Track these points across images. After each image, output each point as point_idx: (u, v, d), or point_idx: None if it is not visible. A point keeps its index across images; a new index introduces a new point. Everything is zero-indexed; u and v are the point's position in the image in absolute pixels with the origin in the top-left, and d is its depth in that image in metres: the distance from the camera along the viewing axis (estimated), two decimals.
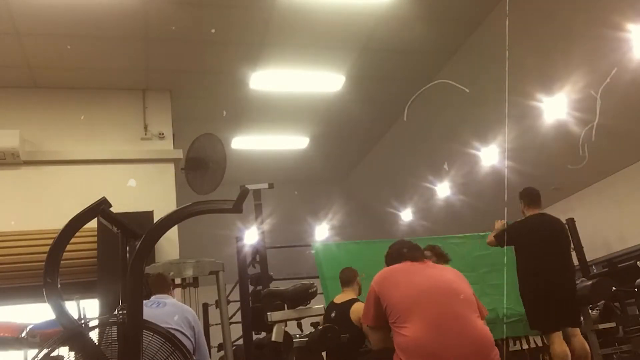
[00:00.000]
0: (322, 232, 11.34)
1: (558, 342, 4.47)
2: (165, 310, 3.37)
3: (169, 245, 5.98)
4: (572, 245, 5.08)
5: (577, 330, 4.65)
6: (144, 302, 3.39)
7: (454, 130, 8.53)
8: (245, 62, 6.76)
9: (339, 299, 4.87)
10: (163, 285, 3.74)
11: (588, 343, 4.80)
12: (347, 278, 4.94)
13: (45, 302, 2.23)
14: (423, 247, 5.52)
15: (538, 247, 4.74)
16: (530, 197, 5.06)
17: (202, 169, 5.89)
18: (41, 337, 3.58)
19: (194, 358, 3.33)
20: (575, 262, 6.78)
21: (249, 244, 6.12)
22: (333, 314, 4.72)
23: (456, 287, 3.12)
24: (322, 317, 4.60)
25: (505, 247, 4.84)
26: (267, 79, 7.11)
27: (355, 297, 4.82)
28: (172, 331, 3.16)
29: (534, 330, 5.06)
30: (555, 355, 4.44)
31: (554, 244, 4.80)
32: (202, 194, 5.79)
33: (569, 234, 5.08)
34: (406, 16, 6.20)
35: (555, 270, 4.68)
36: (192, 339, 3.37)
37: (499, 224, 5.15)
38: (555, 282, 4.62)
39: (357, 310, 4.44)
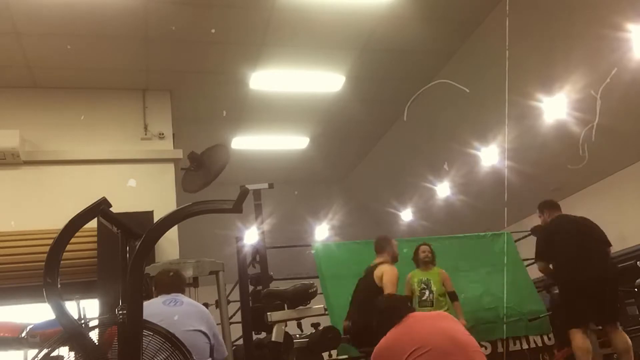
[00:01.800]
0: (322, 232, 11.35)
1: (580, 337, 4.42)
2: (183, 308, 3.36)
3: (169, 245, 5.98)
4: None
5: (617, 325, 4.56)
6: (160, 299, 3.41)
7: (454, 130, 8.53)
8: (245, 62, 6.76)
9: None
10: (180, 283, 3.72)
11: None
12: (378, 246, 5.15)
13: (45, 302, 2.23)
14: (419, 245, 5.59)
15: (566, 242, 4.70)
16: (550, 203, 5.12)
17: (199, 169, 5.93)
18: (41, 337, 3.58)
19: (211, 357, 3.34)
20: None
21: (249, 244, 6.12)
22: (363, 274, 5.01)
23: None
24: (328, 315, 4.72)
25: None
26: (267, 79, 7.11)
27: (385, 261, 4.96)
28: (195, 332, 3.19)
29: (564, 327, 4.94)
30: (578, 349, 4.41)
31: (583, 238, 4.74)
32: (189, 192, 5.84)
33: (598, 229, 4.93)
34: (406, 16, 6.20)
35: (587, 263, 4.60)
36: (211, 339, 3.37)
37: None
38: (586, 275, 4.55)
39: (382, 271, 4.75)
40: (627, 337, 4.56)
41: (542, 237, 4.93)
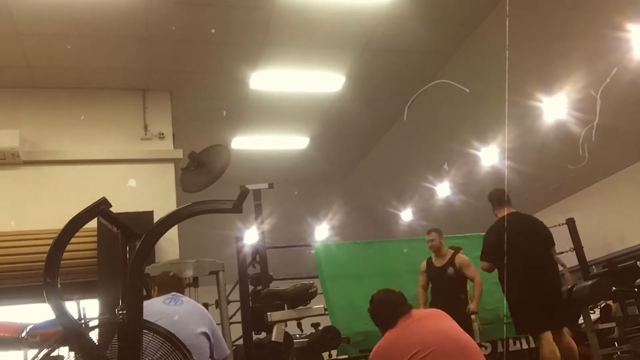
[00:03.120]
0: (322, 232, 11.35)
1: (547, 343, 4.30)
2: (183, 308, 3.37)
3: (169, 245, 5.98)
4: (554, 243, 4.76)
5: (563, 331, 4.47)
6: (160, 298, 3.42)
7: (454, 130, 8.53)
8: (245, 62, 6.76)
9: (439, 262, 5.54)
10: (179, 284, 3.73)
11: (589, 343, 4.76)
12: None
13: (45, 302, 2.23)
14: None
15: (518, 246, 4.42)
16: (500, 197, 4.79)
17: (199, 169, 5.92)
18: (41, 337, 3.59)
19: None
20: (575, 262, 6.80)
21: (249, 244, 6.12)
22: (450, 270, 5.40)
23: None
24: (328, 315, 4.74)
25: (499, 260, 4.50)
26: (267, 79, 7.11)
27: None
28: (196, 335, 3.19)
29: (523, 333, 4.90)
30: (545, 357, 4.27)
31: (534, 242, 4.58)
32: (189, 192, 5.84)
33: (549, 232, 4.78)
34: (406, 16, 6.21)
35: (539, 268, 4.49)
36: (211, 337, 3.38)
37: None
38: (541, 281, 4.45)
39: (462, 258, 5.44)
40: (573, 342, 4.46)
41: (492, 238, 4.62)
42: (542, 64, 6.74)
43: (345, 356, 5.35)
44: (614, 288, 5.43)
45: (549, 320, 4.42)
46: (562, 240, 6.66)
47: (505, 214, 4.63)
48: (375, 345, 3.19)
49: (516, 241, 4.41)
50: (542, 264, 4.58)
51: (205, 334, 3.33)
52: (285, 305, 3.66)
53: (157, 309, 3.21)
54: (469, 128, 8.28)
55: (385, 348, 3.10)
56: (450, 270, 5.51)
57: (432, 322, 3.17)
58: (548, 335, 4.35)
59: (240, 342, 5.63)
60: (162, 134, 6.78)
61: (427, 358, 2.89)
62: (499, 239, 4.33)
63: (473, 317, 5.27)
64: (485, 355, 5.63)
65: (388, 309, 3.23)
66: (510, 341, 5.51)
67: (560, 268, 5.62)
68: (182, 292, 3.71)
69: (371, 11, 6.11)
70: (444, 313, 3.32)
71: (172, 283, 3.67)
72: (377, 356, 3.12)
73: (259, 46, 6.49)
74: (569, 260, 6.80)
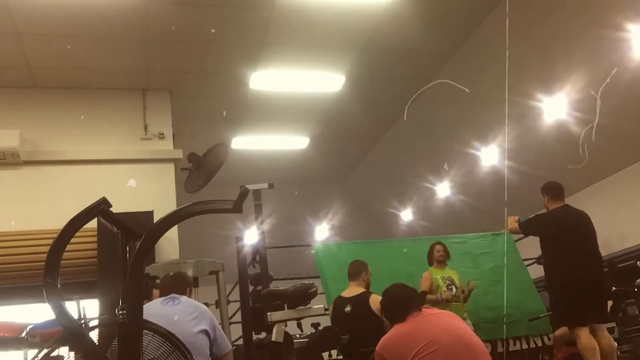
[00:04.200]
0: (322, 232, 11.34)
1: (585, 336, 4.40)
2: (181, 308, 3.37)
3: (169, 245, 5.98)
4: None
5: (603, 326, 4.59)
6: (159, 300, 3.42)
7: (454, 130, 8.52)
8: (245, 62, 6.76)
9: (349, 292, 4.72)
10: (178, 284, 3.73)
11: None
12: (356, 270, 4.80)
13: (45, 302, 2.23)
14: (434, 244, 5.60)
15: (565, 239, 4.64)
16: (554, 190, 4.99)
17: (200, 169, 5.93)
18: (41, 337, 3.58)
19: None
20: None
21: (249, 244, 6.11)
22: (348, 308, 4.59)
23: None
24: (328, 315, 4.53)
25: (529, 236, 4.85)
26: (267, 79, 7.11)
27: (365, 290, 4.69)
28: (200, 334, 3.19)
29: (563, 326, 4.88)
30: (584, 348, 4.36)
31: (581, 236, 4.71)
32: (189, 192, 5.84)
33: (593, 226, 4.91)
34: (406, 16, 6.20)
35: (584, 263, 4.60)
36: (211, 333, 3.39)
37: (513, 219, 5.09)
38: (584, 275, 4.55)
39: (377, 300, 4.32)
40: (612, 339, 4.60)
41: (540, 223, 4.91)
42: (542, 64, 6.74)
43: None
44: (613, 288, 5.44)
45: (589, 315, 4.52)
46: None
47: (554, 207, 4.87)
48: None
49: (570, 234, 4.64)
50: (595, 259, 4.72)
51: (205, 332, 3.34)
52: (285, 305, 3.65)
53: (156, 310, 3.22)
54: (469, 128, 8.27)
55: (392, 342, 3.13)
56: None
57: (442, 320, 3.21)
58: (586, 330, 4.44)
59: (240, 342, 5.63)
60: (162, 134, 6.78)
61: (433, 354, 2.92)
62: (543, 224, 4.74)
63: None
64: None
65: (400, 304, 3.28)
66: (510, 341, 5.52)
67: None
68: (184, 293, 3.72)
69: (371, 11, 6.11)
70: (455, 314, 3.34)
71: (171, 285, 3.69)
72: (384, 348, 3.15)
73: (259, 46, 6.49)
74: None
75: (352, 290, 4.74)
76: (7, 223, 5.83)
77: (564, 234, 4.67)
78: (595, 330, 4.53)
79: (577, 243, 4.67)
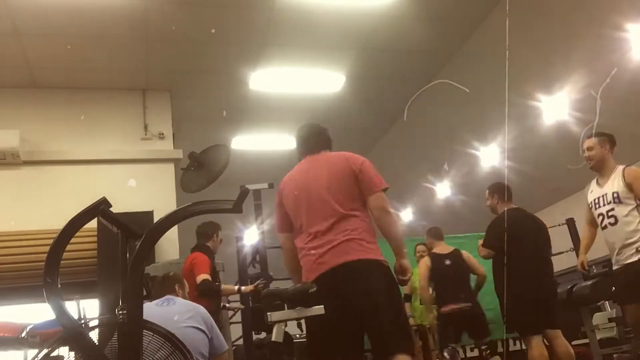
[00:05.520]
0: None
1: (537, 346, 4.25)
2: (174, 308, 3.38)
3: (169, 245, 5.98)
4: (551, 244, 4.78)
5: (559, 332, 4.38)
6: (153, 302, 3.43)
7: (454, 130, 8.52)
8: (245, 62, 6.76)
9: (443, 249, 5.77)
10: (170, 284, 3.74)
11: (589, 343, 4.76)
12: (440, 232, 6.01)
13: (45, 302, 2.23)
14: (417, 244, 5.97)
15: (515, 244, 4.34)
16: (505, 191, 4.75)
17: (199, 169, 5.93)
18: (41, 337, 3.58)
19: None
20: (575, 262, 6.78)
21: (249, 244, 6.12)
22: (448, 262, 5.57)
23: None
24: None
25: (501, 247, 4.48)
26: (267, 79, 7.10)
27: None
28: (188, 328, 3.20)
29: (511, 333, 4.84)
30: (534, 359, 4.21)
31: (532, 241, 4.55)
32: (189, 192, 5.84)
33: (548, 232, 4.77)
34: (406, 16, 6.20)
35: (534, 268, 4.45)
36: (208, 333, 3.39)
37: (479, 244, 4.86)
38: (535, 281, 4.40)
39: (468, 256, 5.66)
40: (569, 346, 4.40)
41: (496, 230, 4.54)
42: (542, 64, 6.73)
43: None
44: (613, 288, 5.43)
45: (542, 322, 4.37)
46: (562, 240, 6.67)
47: (507, 208, 4.60)
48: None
49: (520, 238, 4.41)
50: (543, 264, 4.57)
51: (202, 331, 3.35)
52: (285, 305, 3.66)
53: (151, 312, 3.22)
54: (469, 128, 8.27)
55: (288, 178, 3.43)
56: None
57: (320, 168, 3.33)
58: (538, 338, 4.30)
59: (240, 342, 5.64)
60: (162, 134, 6.78)
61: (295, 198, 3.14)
62: (503, 232, 4.30)
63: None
64: (485, 355, 5.66)
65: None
66: (510, 341, 5.52)
67: None
68: (175, 290, 3.72)
69: (371, 11, 6.11)
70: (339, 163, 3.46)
71: (160, 288, 3.69)
72: (283, 183, 3.44)
73: (259, 46, 6.49)
74: (569, 260, 6.79)
75: (444, 247, 5.79)
76: (7, 223, 5.83)
77: (521, 237, 4.45)
78: (551, 338, 4.38)
79: (528, 248, 4.48)
